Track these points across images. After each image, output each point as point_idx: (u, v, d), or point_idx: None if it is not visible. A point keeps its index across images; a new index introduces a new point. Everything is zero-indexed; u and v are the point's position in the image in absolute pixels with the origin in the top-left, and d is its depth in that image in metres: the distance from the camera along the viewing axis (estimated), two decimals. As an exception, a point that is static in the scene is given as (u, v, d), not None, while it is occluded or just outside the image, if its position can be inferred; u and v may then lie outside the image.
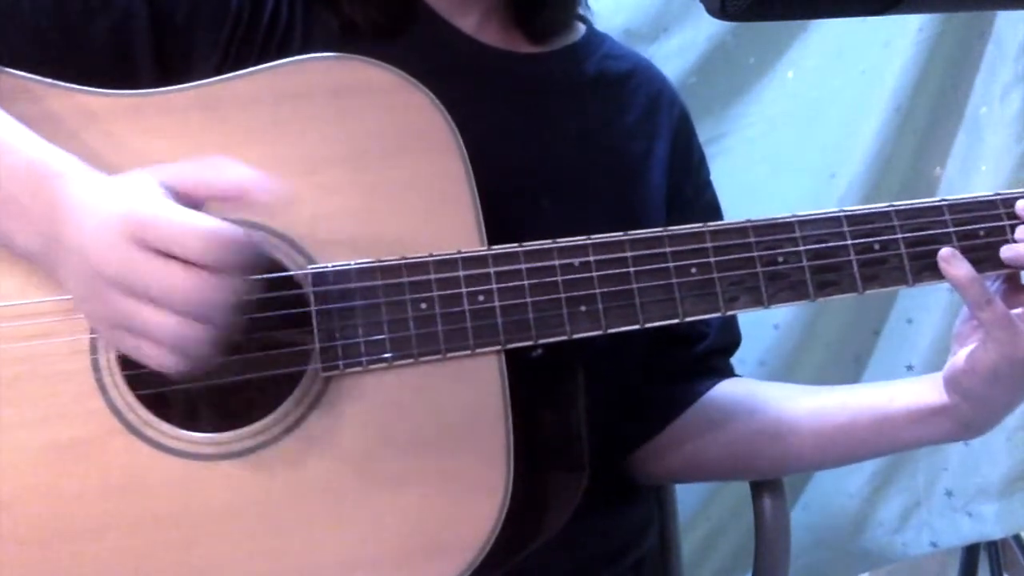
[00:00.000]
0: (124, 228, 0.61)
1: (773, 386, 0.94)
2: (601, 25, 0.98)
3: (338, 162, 0.72)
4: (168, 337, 0.61)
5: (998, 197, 0.76)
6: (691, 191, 0.97)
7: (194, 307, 0.60)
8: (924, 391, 0.81)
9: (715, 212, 1.00)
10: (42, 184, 0.65)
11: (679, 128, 0.97)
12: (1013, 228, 0.76)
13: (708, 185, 1.01)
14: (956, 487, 1.33)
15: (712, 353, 0.97)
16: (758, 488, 1.02)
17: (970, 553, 1.58)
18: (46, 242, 0.65)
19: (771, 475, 1.01)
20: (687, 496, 1.29)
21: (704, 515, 1.38)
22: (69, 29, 0.76)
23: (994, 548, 1.59)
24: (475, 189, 0.72)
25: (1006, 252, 0.75)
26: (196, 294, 0.60)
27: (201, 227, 0.60)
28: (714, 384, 0.95)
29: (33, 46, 0.75)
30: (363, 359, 0.69)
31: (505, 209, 0.75)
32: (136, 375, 0.68)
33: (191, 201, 0.63)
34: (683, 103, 0.99)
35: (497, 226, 0.73)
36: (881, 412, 0.83)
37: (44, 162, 0.66)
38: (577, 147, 0.89)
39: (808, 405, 0.89)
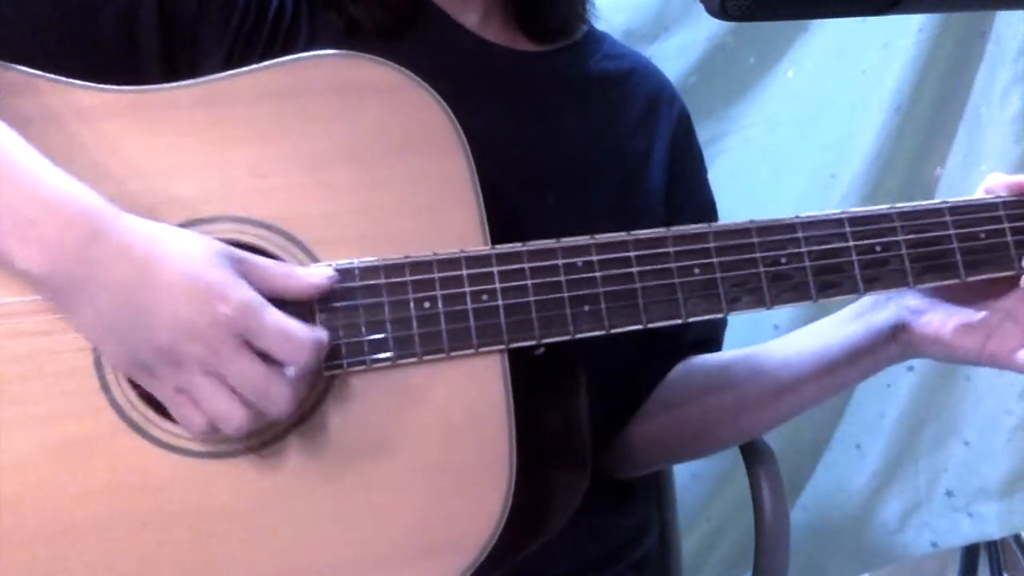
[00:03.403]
0: (233, 323, 0.62)
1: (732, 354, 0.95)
2: (601, 25, 0.98)
3: (342, 160, 0.71)
4: (220, 416, 0.63)
5: (999, 200, 0.76)
6: (687, 190, 0.97)
7: (261, 402, 0.63)
8: (856, 332, 0.83)
9: (711, 211, 1.00)
10: (82, 220, 0.63)
11: (679, 128, 0.97)
12: (1013, 231, 0.76)
13: (705, 184, 1.01)
14: (956, 487, 1.34)
15: (691, 347, 0.96)
16: (758, 488, 1.02)
17: (970, 553, 1.59)
18: (67, 275, 0.63)
19: (737, 441, 1.01)
20: (687, 496, 1.29)
21: (704, 515, 1.38)
22: (76, 19, 0.76)
23: (994, 548, 1.60)
24: (478, 187, 0.72)
25: None
26: (275, 397, 0.63)
27: (308, 339, 0.64)
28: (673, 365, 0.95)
29: (38, 37, 0.75)
30: (366, 358, 0.69)
31: (508, 205, 0.75)
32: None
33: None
34: (683, 102, 0.99)
35: (500, 222, 0.73)
36: (822, 356, 0.85)
37: (95, 207, 0.64)
38: (578, 144, 0.89)
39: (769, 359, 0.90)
